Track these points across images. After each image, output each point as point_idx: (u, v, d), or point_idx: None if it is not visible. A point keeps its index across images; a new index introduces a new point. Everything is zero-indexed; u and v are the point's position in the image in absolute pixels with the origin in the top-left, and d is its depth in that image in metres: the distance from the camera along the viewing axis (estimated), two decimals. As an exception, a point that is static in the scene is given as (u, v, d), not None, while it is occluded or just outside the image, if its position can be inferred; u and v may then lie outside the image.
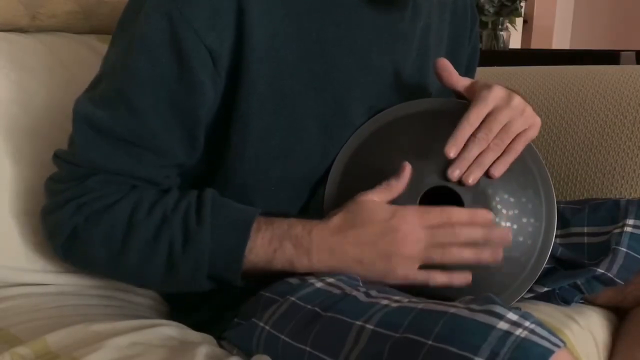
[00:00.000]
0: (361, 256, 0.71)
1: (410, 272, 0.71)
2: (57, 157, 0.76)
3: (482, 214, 0.73)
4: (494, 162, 0.76)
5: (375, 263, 0.71)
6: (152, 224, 0.72)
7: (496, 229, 0.74)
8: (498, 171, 0.75)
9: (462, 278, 0.72)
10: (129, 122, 0.71)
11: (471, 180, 0.74)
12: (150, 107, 0.71)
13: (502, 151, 0.76)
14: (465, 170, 0.74)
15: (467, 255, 0.72)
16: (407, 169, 0.74)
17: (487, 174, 0.76)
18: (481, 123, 0.75)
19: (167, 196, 0.74)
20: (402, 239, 0.71)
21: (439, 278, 0.72)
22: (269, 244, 0.72)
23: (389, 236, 0.71)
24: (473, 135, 0.75)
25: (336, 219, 0.72)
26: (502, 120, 0.75)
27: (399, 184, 0.74)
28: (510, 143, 0.76)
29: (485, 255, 0.72)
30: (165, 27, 0.68)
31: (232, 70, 0.72)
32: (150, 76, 0.70)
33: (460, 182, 0.75)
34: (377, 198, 0.73)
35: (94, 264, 0.77)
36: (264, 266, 0.72)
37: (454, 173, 0.74)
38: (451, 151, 0.74)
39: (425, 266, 0.72)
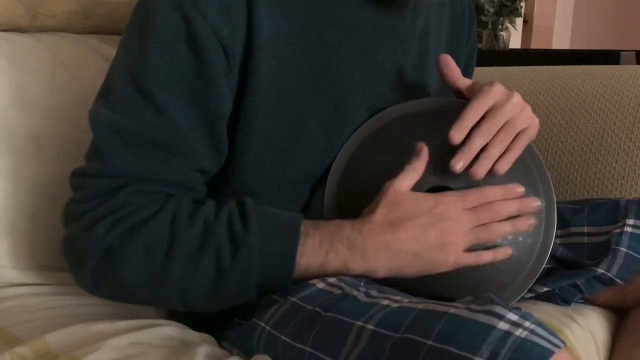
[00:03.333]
0: (417, 249, 0.71)
1: (461, 257, 0.72)
2: (78, 175, 0.71)
3: (514, 188, 0.75)
4: (498, 158, 0.75)
5: (431, 254, 0.71)
6: (196, 235, 0.67)
7: (527, 200, 0.75)
8: (503, 167, 0.75)
9: (504, 253, 0.74)
10: (156, 123, 0.68)
11: (480, 174, 0.74)
12: (174, 105, 0.68)
13: (506, 146, 0.75)
14: (469, 161, 0.74)
15: (507, 229, 0.74)
16: (424, 148, 0.74)
17: (491, 170, 0.75)
18: (484, 116, 0.75)
19: (206, 205, 0.71)
20: (451, 226, 0.71)
21: (485, 257, 0.73)
22: (320, 247, 0.70)
23: (439, 225, 0.71)
24: (476, 127, 0.74)
25: (379, 215, 0.71)
26: (504, 115, 0.75)
27: (421, 163, 0.74)
28: (514, 140, 0.76)
29: (522, 225, 0.74)
30: (179, 23, 0.67)
31: (242, 67, 0.71)
32: (171, 73, 0.68)
33: (460, 181, 0.75)
34: (406, 184, 0.73)
35: (130, 289, 0.69)
36: (316, 270, 0.70)
37: (458, 164, 0.73)
38: (455, 136, 0.73)
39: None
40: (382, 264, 0.71)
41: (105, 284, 0.70)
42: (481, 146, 0.74)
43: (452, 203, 0.72)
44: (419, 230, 0.71)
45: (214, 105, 0.70)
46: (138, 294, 0.71)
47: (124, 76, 0.70)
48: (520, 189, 0.75)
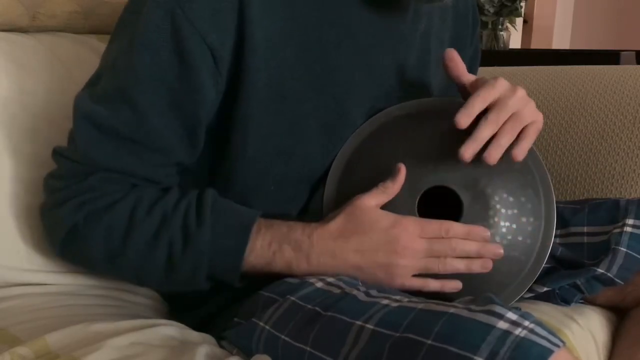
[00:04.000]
0: (361, 264, 0.72)
1: (407, 281, 0.73)
2: (57, 153, 0.76)
3: (479, 231, 0.74)
4: (513, 145, 0.74)
5: (374, 271, 0.72)
6: (152, 224, 0.72)
7: (489, 245, 0.74)
8: (519, 154, 0.74)
9: (453, 285, 0.74)
10: (130, 120, 0.71)
11: (492, 159, 0.73)
12: (151, 105, 0.71)
13: (515, 135, 0.74)
14: (477, 150, 0.73)
15: (460, 266, 0.73)
16: (402, 170, 0.74)
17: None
18: (490, 107, 0.74)
19: (168, 196, 0.74)
20: (402, 249, 0.71)
21: (432, 285, 0.73)
22: (269, 246, 0.72)
23: (390, 245, 0.71)
24: (483, 117, 0.73)
25: (336, 224, 0.73)
26: (511, 106, 0.74)
27: (394, 186, 0.74)
28: (522, 131, 0.75)
29: (476, 266, 0.74)
30: (167, 26, 0.68)
31: (233, 70, 0.72)
32: (152, 74, 0.70)
33: (458, 181, 0.75)
34: (374, 202, 0.74)
35: (92, 262, 0.78)
36: (262, 268, 0.73)
37: (467, 152, 0.72)
38: (462, 120, 0.72)
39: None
40: (323, 270, 0.72)
41: (71, 255, 0.78)
42: (489, 136, 0.73)
43: (410, 228, 0.72)
44: (369, 245, 0.72)
45: (194, 108, 0.72)
46: (99, 268, 0.80)
47: (108, 70, 0.73)
48: (486, 234, 0.74)
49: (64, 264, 0.83)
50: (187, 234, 0.71)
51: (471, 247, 0.73)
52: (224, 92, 0.73)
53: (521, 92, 0.76)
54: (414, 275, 0.73)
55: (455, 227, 0.73)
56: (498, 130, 0.73)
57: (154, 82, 0.70)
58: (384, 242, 0.72)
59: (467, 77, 0.80)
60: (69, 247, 0.75)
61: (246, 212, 0.74)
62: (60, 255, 0.78)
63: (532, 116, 0.76)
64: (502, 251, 0.74)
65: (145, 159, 0.73)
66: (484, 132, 0.73)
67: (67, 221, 0.73)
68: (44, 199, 0.77)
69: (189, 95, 0.71)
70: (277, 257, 0.72)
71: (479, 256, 0.73)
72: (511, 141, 0.74)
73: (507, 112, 0.74)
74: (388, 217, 0.73)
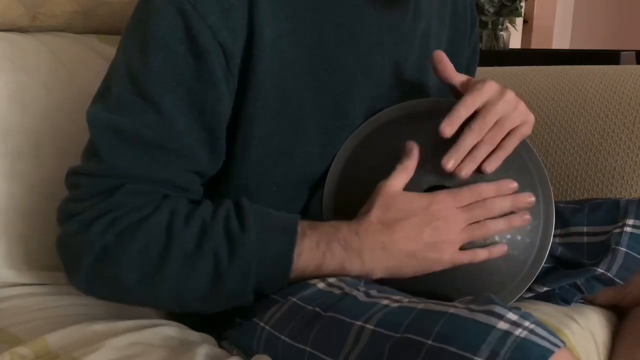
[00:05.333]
0: (412, 249, 0.71)
1: (456, 255, 0.72)
2: (74, 174, 0.71)
3: (507, 184, 0.75)
4: (487, 156, 0.75)
5: (426, 253, 0.71)
6: (193, 234, 0.67)
7: (520, 196, 0.75)
8: (491, 166, 0.75)
9: (500, 250, 0.74)
10: (154, 124, 0.68)
11: (464, 173, 0.74)
12: (172, 106, 0.68)
13: (495, 145, 0.76)
14: (460, 160, 0.74)
15: (502, 225, 0.74)
16: (414, 147, 0.75)
17: (479, 169, 0.75)
18: (475, 114, 0.75)
19: (203, 205, 0.70)
20: (445, 225, 0.71)
21: (481, 254, 0.73)
22: (317, 247, 0.70)
23: (432, 224, 0.71)
24: (467, 125, 0.74)
25: (374, 216, 0.71)
26: (496, 113, 0.75)
27: (412, 162, 0.74)
28: (504, 139, 0.76)
29: (516, 221, 0.74)
30: (179, 23, 0.67)
31: (242, 69, 0.71)
32: (170, 74, 0.68)
33: (457, 181, 0.75)
34: (399, 184, 0.73)
35: (124, 288, 0.69)
36: (313, 271, 0.70)
37: (449, 163, 0.73)
38: (446, 130, 0.73)
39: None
40: (379, 264, 0.71)
41: (100, 284, 0.70)
42: (472, 145, 0.74)
43: (445, 202, 0.72)
44: (413, 229, 0.71)
45: (213, 107, 0.70)
46: (133, 295, 0.70)
47: (123, 76, 0.70)
48: (514, 185, 0.75)
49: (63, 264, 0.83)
50: (231, 240, 0.67)
51: (506, 202, 0.74)
52: (235, 92, 0.72)
53: (509, 95, 0.76)
54: (462, 249, 0.73)
55: (485, 188, 0.74)
56: (479, 141, 0.75)
57: (173, 82, 0.68)
58: (426, 222, 0.71)
59: (458, 79, 0.80)
60: (98, 274, 0.68)
61: (287, 215, 0.72)
62: (86, 289, 0.71)
63: (520, 119, 0.77)
64: (533, 198, 0.75)
65: (171, 164, 0.69)
66: (466, 142, 0.74)
67: (96, 244, 0.66)
68: (60, 230, 0.70)
69: (207, 93, 0.69)
70: (328, 257, 0.70)
71: (514, 209, 0.74)
72: (489, 151, 0.75)
73: (493, 118, 0.75)
74: (421, 197, 0.72)
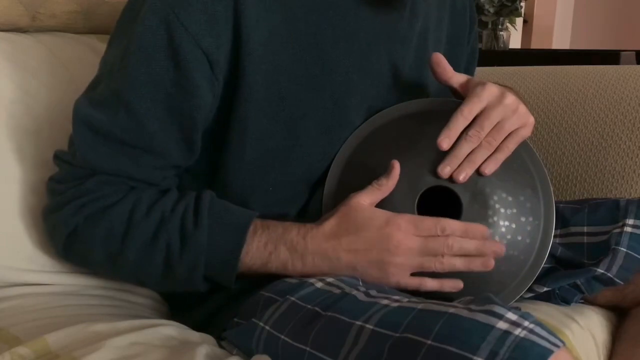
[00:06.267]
0: (355, 263, 0.72)
1: (402, 280, 0.72)
2: (57, 157, 0.77)
3: (477, 228, 0.73)
4: (486, 160, 0.76)
5: (368, 270, 0.72)
6: (151, 226, 0.73)
7: (489, 243, 0.73)
8: (489, 169, 0.76)
9: (452, 284, 0.73)
10: (127, 125, 0.72)
11: (462, 177, 0.75)
12: (147, 110, 0.71)
13: (493, 149, 0.76)
14: (455, 167, 0.75)
15: (458, 264, 0.72)
16: (396, 167, 0.74)
17: (478, 172, 0.76)
18: (474, 120, 0.75)
19: (166, 197, 0.74)
20: (395, 247, 0.71)
21: (430, 284, 0.73)
22: (265, 247, 0.73)
23: (383, 244, 0.71)
24: (464, 132, 0.75)
25: (330, 224, 0.73)
26: (494, 118, 0.75)
27: (389, 183, 0.74)
28: (503, 141, 0.76)
29: (476, 265, 0.73)
30: (162, 32, 0.69)
31: (230, 74, 0.72)
32: (147, 79, 0.70)
33: (456, 181, 0.75)
34: (369, 200, 0.74)
35: (93, 263, 0.79)
36: (258, 269, 0.74)
37: (444, 170, 0.75)
38: (444, 143, 0.74)
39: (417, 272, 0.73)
40: (319, 270, 0.72)
41: (74, 256, 0.79)
42: (468, 152, 0.75)
43: (404, 226, 0.71)
44: (361, 245, 0.72)
45: (191, 112, 0.72)
46: (101, 270, 0.82)
47: (106, 75, 0.74)
48: (484, 230, 0.73)
49: (63, 264, 0.83)
50: (184, 235, 0.72)
51: (470, 245, 0.72)
52: (222, 96, 0.73)
53: (509, 99, 0.76)
54: (413, 275, 0.72)
55: (452, 225, 0.72)
56: (477, 146, 0.75)
57: (150, 87, 0.71)
58: (377, 241, 0.71)
59: (456, 79, 0.80)
60: (71, 248, 0.77)
61: (243, 213, 0.74)
62: (63, 257, 0.80)
63: (520, 122, 0.77)
64: (503, 249, 0.74)
65: (142, 161, 0.74)
66: (463, 149, 0.75)
67: (68, 224, 0.74)
68: (45, 202, 0.78)
69: (185, 100, 0.71)
70: (273, 257, 0.73)
71: (478, 254, 0.72)
72: (487, 155, 0.76)
73: (490, 124, 0.75)
74: (382, 215, 0.72)
